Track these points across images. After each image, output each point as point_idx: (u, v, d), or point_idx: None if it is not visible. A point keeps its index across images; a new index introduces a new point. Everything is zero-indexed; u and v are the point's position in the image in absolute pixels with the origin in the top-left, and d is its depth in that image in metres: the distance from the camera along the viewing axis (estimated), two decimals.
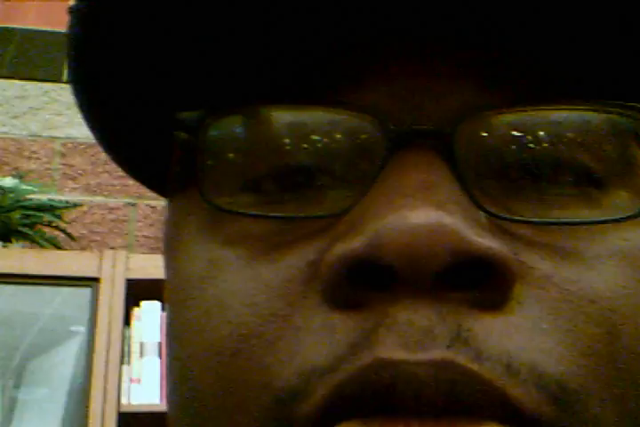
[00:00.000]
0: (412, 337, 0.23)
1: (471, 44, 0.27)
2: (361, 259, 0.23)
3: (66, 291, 1.86)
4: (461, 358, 0.23)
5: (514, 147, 0.27)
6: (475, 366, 0.23)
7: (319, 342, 0.24)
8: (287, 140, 0.27)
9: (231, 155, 0.28)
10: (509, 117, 0.27)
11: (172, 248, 0.31)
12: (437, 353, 0.23)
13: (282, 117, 0.28)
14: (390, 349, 0.23)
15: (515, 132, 0.27)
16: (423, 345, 0.23)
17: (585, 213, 0.26)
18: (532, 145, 0.27)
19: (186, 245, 0.29)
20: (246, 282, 0.26)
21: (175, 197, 0.31)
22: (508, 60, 0.27)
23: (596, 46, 0.27)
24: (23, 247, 1.96)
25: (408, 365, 0.23)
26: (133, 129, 0.31)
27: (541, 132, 0.27)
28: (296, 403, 0.24)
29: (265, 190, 0.27)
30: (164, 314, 0.36)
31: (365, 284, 0.24)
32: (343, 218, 0.25)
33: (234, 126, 0.28)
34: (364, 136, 0.27)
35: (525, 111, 0.27)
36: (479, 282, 0.24)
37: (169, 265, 0.31)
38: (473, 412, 0.23)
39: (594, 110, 0.27)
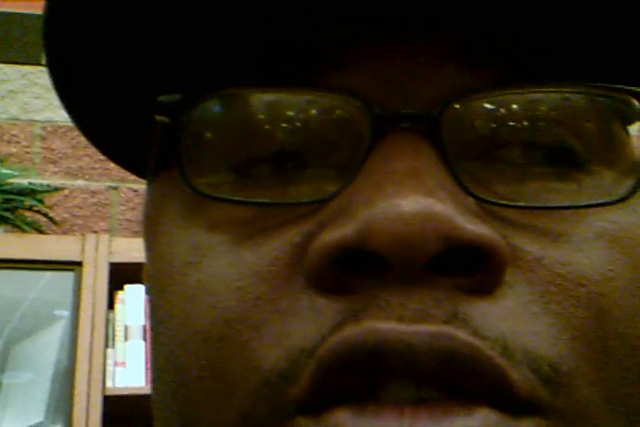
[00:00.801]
0: (407, 314, 0.23)
1: (453, 25, 0.27)
2: (351, 246, 0.23)
3: (49, 275, 1.86)
4: (460, 333, 0.23)
5: (498, 129, 0.26)
6: (476, 341, 0.23)
7: (305, 325, 0.24)
8: (269, 123, 0.27)
9: (213, 138, 0.28)
10: (494, 100, 0.26)
11: (152, 231, 0.30)
12: (434, 327, 0.23)
13: (264, 100, 0.27)
14: (380, 321, 0.23)
15: (499, 115, 0.27)
16: (418, 320, 0.23)
17: (569, 194, 0.26)
18: (516, 127, 0.27)
19: (167, 229, 0.29)
20: (230, 267, 0.26)
21: (155, 180, 0.31)
22: (491, 41, 0.27)
23: (581, 26, 0.27)
24: (5, 232, 1.94)
25: (400, 333, 0.22)
26: (111, 112, 0.31)
27: (526, 114, 0.27)
28: (285, 386, 0.24)
29: (247, 173, 0.27)
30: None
31: (354, 270, 0.23)
32: (330, 203, 0.25)
33: (216, 110, 0.28)
34: (348, 119, 0.26)
35: (510, 93, 0.27)
36: (472, 268, 0.24)
37: (150, 248, 0.31)
38: (466, 390, 0.23)
39: (578, 92, 0.27)
